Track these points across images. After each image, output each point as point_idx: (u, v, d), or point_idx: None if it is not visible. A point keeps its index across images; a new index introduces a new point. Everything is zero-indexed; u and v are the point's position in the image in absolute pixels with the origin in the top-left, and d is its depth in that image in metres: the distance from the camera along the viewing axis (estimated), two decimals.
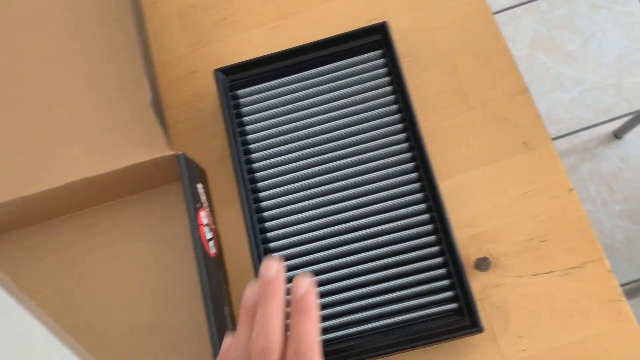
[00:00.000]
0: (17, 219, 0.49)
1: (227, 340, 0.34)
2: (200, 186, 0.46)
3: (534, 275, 0.44)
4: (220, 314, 0.43)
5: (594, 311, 0.43)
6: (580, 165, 1.21)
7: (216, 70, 0.50)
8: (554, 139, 1.23)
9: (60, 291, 0.49)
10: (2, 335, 0.47)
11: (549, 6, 1.32)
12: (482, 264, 0.45)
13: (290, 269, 0.45)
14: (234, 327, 0.45)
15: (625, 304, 0.42)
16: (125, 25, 0.45)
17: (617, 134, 1.21)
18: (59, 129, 0.46)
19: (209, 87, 0.53)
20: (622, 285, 1.13)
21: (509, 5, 1.33)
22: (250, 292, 0.33)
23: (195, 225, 0.42)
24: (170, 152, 0.44)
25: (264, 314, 0.31)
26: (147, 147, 0.44)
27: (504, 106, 0.48)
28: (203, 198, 0.46)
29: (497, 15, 1.33)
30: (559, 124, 1.24)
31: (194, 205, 0.43)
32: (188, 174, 0.44)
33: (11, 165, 0.46)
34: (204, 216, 0.45)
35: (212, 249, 0.45)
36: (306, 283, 0.31)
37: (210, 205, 0.48)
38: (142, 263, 0.48)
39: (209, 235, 0.45)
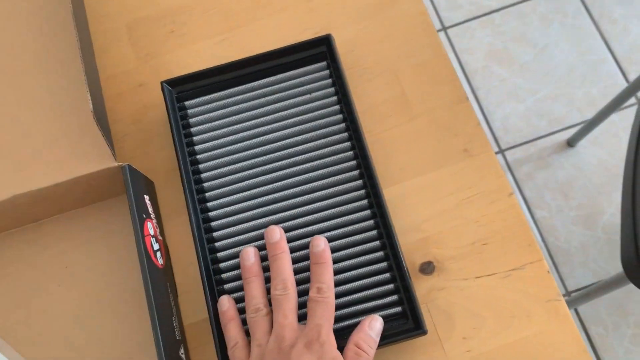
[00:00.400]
0: None
1: (225, 301, 0.43)
2: (147, 197, 0.46)
3: (477, 277, 0.45)
4: (168, 325, 0.42)
5: (534, 311, 0.44)
6: (535, 173, 1.25)
7: (163, 82, 0.50)
8: (510, 147, 1.27)
9: (6, 304, 0.48)
10: None
11: (503, 19, 1.36)
12: (427, 268, 0.46)
13: (239, 277, 0.45)
14: (183, 338, 0.45)
15: (563, 303, 0.44)
16: (69, 37, 0.45)
17: (570, 142, 1.25)
18: (2, 141, 0.45)
19: (157, 100, 0.53)
20: (577, 289, 1.16)
21: (465, 19, 1.37)
22: (246, 253, 0.44)
23: (140, 236, 0.42)
24: (116, 164, 0.44)
25: (279, 266, 0.42)
26: (92, 159, 0.44)
27: (445, 115, 0.50)
28: (150, 209, 0.46)
29: (453, 29, 1.37)
30: (514, 133, 1.28)
31: (139, 216, 0.43)
32: (133, 185, 0.44)
33: None
34: (150, 227, 0.45)
35: (159, 260, 0.44)
36: (323, 242, 0.43)
37: (158, 217, 0.48)
38: (90, 275, 0.48)
39: (155, 246, 0.45)
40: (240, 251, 0.45)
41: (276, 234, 0.44)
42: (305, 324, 0.41)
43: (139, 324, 0.46)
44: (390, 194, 0.48)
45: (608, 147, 1.25)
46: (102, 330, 0.47)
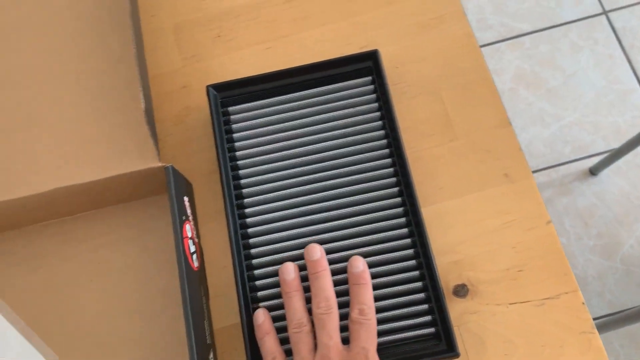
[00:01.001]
0: None
1: (261, 315, 0.43)
2: (186, 199, 0.47)
3: (511, 304, 0.45)
4: (200, 328, 0.42)
5: (567, 342, 0.44)
6: (556, 199, 1.24)
7: (209, 86, 0.51)
8: (533, 172, 1.26)
9: (39, 297, 0.48)
10: None
11: (533, 43, 1.36)
12: (461, 291, 0.46)
13: (271, 286, 0.45)
14: (212, 341, 0.45)
15: (597, 337, 0.44)
16: (124, 37, 0.46)
17: (593, 171, 1.24)
18: (50, 135, 0.46)
19: (200, 102, 0.53)
20: (592, 319, 1.15)
21: (494, 40, 1.37)
22: (286, 267, 0.44)
23: (179, 238, 0.43)
24: (159, 164, 0.44)
25: (321, 285, 0.42)
26: (136, 158, 0.44)
27: (487, 138, 0.50)
28: (188, 211, 0.46)
29: (482, 49, 1.37)
30: (537, 157, 1.27)
31: (179, 217, 0.43)
32: (175, 186, 0.44)
33: None
34: (188, 229, 0.45)
35: (194, 263, 0.45)
36: (362, 262, 0.43)
37: (195, 219, 0.49)
38: (123, 273, 0.48)
39: (192, 248, 0.45)
40: (275, 259, 0.45)
41: (317, 252, 0.44)
42: (348, 346, 0.41)
43: (168, 326, 0.47)
44: (427, 213, 0.47)
45: (632, 178, 1.24)
46: (132, 329, 0.47)
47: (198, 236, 0.48)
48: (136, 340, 0.46)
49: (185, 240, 0.44)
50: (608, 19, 1.38)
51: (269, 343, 0.42)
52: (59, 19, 0.49)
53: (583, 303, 0.45)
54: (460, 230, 0.47)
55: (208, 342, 0.44)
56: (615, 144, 1.25)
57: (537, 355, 0.44)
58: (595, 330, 0.44)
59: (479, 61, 0.52)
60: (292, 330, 0.42)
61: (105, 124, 0.46)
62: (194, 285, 0.43)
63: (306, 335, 0.41)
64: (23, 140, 0.46)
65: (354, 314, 0.41)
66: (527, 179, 0.48)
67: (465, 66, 0.52)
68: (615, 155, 1.16)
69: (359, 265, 0.43)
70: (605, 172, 1.24)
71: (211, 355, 0.44)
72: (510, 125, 0.50)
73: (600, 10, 1.38)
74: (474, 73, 0.52)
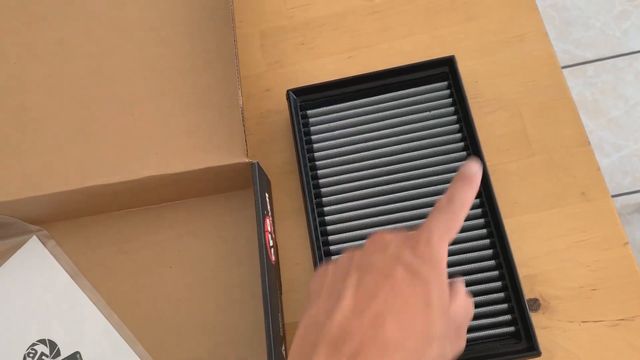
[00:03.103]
0: (88, 206, 0.51)
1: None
2: (267, 196, 0.48)
3: (583, 322, 0.45)
4: (275, 321, 0.44)
5: None
6: None
7: (289, 90, 0.53)
8: None
9: (120, 280, 0.51)
10: (62, 315, 0.49)
11: (596, 71, 1.34)
12: (533, 305, 0.46)
13: None
14: (284, 334, 0.47)
15: None
16: (224, 38, 0.49)
17: None
18: (145, 125, 0.48)
19: (281, 105, 0.55)
20: None
21: None
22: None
23: (261, 231, 0.44)
24: (247, 160, 0.46)
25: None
26: (225, 153, 0.47)
27: (565, 156, 0.50)
28: (269, 207, 0.48)
29: None
30: None
31: (262, 211, 0.45)
32: (260, 182, 0.46)
33: (91, 154, 0.48)
34: (268, 224, 0.47)
35: (273, 256, 0.46)
36: (478, 165, 0.34)
37: (273, 215, 0.50)
38: (202, 262, 0.50)
39: (271, 242, 0.47)
40: None
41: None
42: None
43: (242, 316, 0.48)
44: None
45: None
46: (207, 317, 0.49)
47: (274, 232, 0.50)
48: (210, 327, 0.48)
49: (266, 234, 0.45)
50: None
51: None
52: (167, 19, 0.52)
53: None
54: (534, 246, 0.48)
55: (281, 334, 0.45)
56: None
57: None
58: None
59: (559, 80, 0.52)
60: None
61: (198, 118, 0.48)
62: (272, 277, 0.45)
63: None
64: (120, 128, 0.49)
65: (441, 201, 0.33)
66: (604, 199, 0.48)
67: (546, 84, 0.52)
68: None
69: (473, 165, 0.34)
70: None
71: (283, 348, 0.46)
72: (590, 145, 0.50)
73: None
74: (554, 92, 0.52)
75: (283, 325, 0.47)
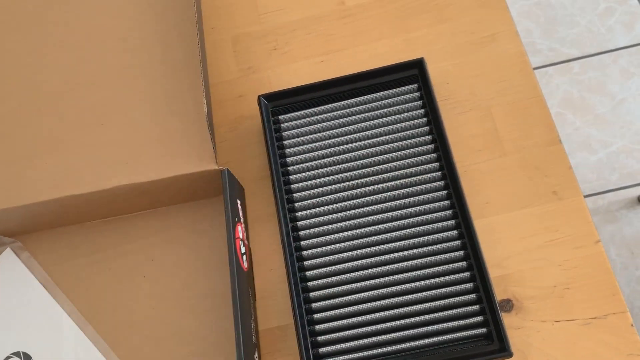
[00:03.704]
0: (61, 217, 0.51)
1: None
2: (239, 202, 0.48)
3: (556, 321, 0.45)
4: (247, 327, 0.44)
5: None
6: (602, 226, 1.21)
7: (260, 95, 0.53)
8: None
9: (94, 289, 0.50)
10: (37, 327, 0.49)
11: (582, 68, 1.34)
12: (506, 306, 0.46)
13: (322, 287, 0.46)
14: (257, 341, 0.46)
15: None
16: (190, 46, 0.49)
17: None
18: (115, 135, 0.48)
19: (253, 111, 0.55)
20: None
21: (542, 64, 1.36)
22: None
23: (232, 238, 0.44)
24: (216, 167, 0.46)
25: None
26: (194, 160, 0.46)
27: (537, 155, 0.50)
28: (240, 214, 0.48)
29: None
30: (584, 184, 1.25)
31: (232, 218, 0.45)
32: (230, 189, 0.46)
33: (62, 165, 0.48)
34: (240, 230, 0.47)
35: (245, 263, 0.46)
36: None
37: (245, 223, 0.50)
38: (175, 270, 0.50)
39: (243, 249, 0.47)
40: (325, 261, 0.47)
41: None
42: None
43: (216, 324, 0.48)
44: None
45: None
46: (181, 325, 0.48)
47: (248, 239, 0.50)
48: (185, 336, 0.48)
49: (237, 241, 0.45)
50: None
51: None
52: (136, 28, 0.52)
53: (632, 325, 0.44)
54: (506, 246, 0.47)
55: (254, 341, 0.45)
56: None
57: None
58: None
59: (530, 79, 0.52)
60: None
61: (167, 126, 0.48)
62: (243, 285, 0.45)
63: None
64: (90, 138, 0.49)
65: None
66: (576, 197, 0.48)
67: (517, 84, 0.52)
68: None
69: None
70: None
71: (256, 355, 0.45)
72: (561, 144, 0.50)
73: None
74: (525, 91, 0.52)
75: (257, 332, 0.47)
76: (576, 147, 1.28)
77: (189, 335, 0.48)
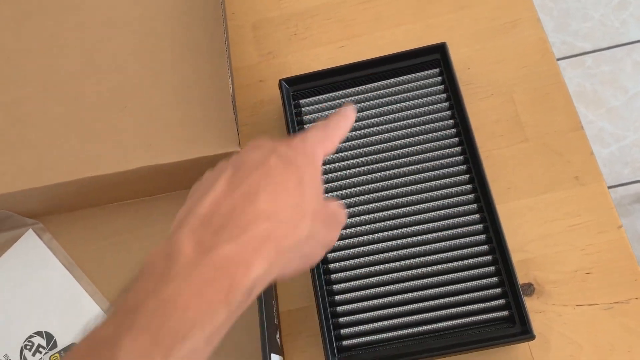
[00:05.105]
0: (82, 198, 0.51)
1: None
2: None
3: (578, 305, 0.45)
4: (269, 307, 0.44)
5: (636, 347, 0.43)
6: None
7: (281, 80, 0.53)
8: None
9: (115, 272, 0.51)
10: (59, 307, 0.50)
11: (595, 62, 1.34)
12: (527, 290, 0.46)
13: (344, 269, 0.46)
14: (278, 322, 0.47)
15: None
16: (215, 31, 0.49)
17: None
18: (136, 117, 0.49)
19: (274, 96, 0.55)
20: None
21: (555, 58, 1.36)
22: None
23: None
24: (239, 149, 0.46)
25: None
26: (217, 142, 0.47)
27: (558, 141, 0.50)
28: None
29: None
30: None
31: None
32: None
33: (83, 147, 0.49)
34: None
35: None
36: (352, 110, 0.37)
37: None
38: None
39: None
40: (346, 243, 0.47)
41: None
42: None
43: None
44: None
45: None
46: None
47: None
48: None
49: None
50: None
51: None
52: (157, 11, 0.52)
53: None
54: (528, 230, 0.47)
55: (275, 321, 0.46)
56: None
57: (603, 358, 0.43)
58: None
59: (552, 65, 0.52)
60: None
61: (190, 109, 0.48)
62: None
63: None
64: (112, 120, 0.49)
65: (319, 123, 0.35)
66: (598, 183, 0.48)
67: (539, 70, 0.52)
68: None
69: (348, 109, 0.37)
70: None
71: (277, 336, 0.46)
72: (583, 130, 0.50)
73: None
74: (547, 77, 0.52)
75: (278, 313, 0.47)
76: (589, 140, 1.28)
77: None
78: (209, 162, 0.47)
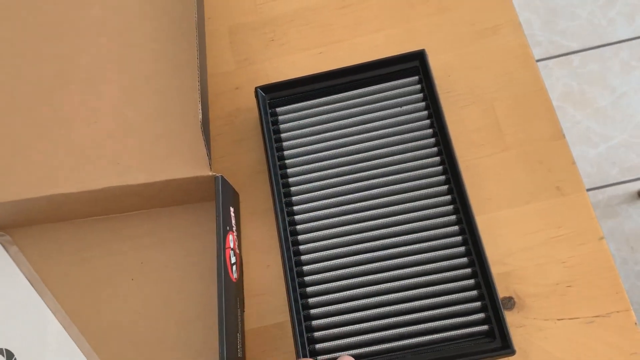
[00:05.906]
0: (51, 213, 0.50)
1: None
2: (232, 210, 0.47)
3: (559, 319, 0.44)
4: (233, 341, 0.42)
5: None
6: (602, 221, 1.20)
7: (257, 87, 0.52)
8: None
9: (81, 288, 0.49)
10: (21, 324, 0.48)
11: (582, 61, 1.33)
12: (507, 303, 0.45)
13: (320, 282, 0.45)
14: (243, 355, 0.45)
15: None
16: (189, 42, 0.47)
17: None
18: (105, 133, 0.47)
19: (250, 104, 0.54)
20: None
21: (542, 57, 1.35)
22: None
23: (222, 248, 0.43)
24: (210, 173, 0.45)
25: None
26: (188, 164, 0.45)
27: (539, 150, 0.49)
28: (233, 222, 0.47)
29: None
30: (583, 178, 1.24)
31: (223, 227, 0.44)
32: (223, 196, 0.44)
33: (52, 161, 0.47)
34: (231, 240, 0.45)
35: (234, 274, 0.45)
36: None
37: (238, 230, 0.49)
38: (163, 274, 0.49)
39: (233, 259, 0.45)
40: (323, 255, 0.45)
41: None
42: None
43: (203, 332, 0.47)
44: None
45: None
46: (166, 331, 0.47)
47: (240, 248, 0.48)
48: (169, 342, 0.47)
49: (227, 250, 0.44)
50: None
51: None
52: (133, 22, 0.50)
53: (635, 323, 0.43)
54: (508, 242, 0.46)
55: (239, 355, 0.44)
56: None
57: None
58: None
59: (533, 72, 0.51)
60: None
61: (161, 127, 0.46)
62: (231, 296, 0.43)
63: None
64: (82, 135, 0.47)
65: None
66: (579, 193, 0.47)
67: (520, 77, 0.51)
68: None
69: None
70: None
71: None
72: (564, 138, 0.49)
73: None
74: (528, 84, 0.51)
75: (244, 344, 0.45)
76: (576, 140, 1.27)
77: (173, 342, 0.47)
78: (179, 184, 0.46)
